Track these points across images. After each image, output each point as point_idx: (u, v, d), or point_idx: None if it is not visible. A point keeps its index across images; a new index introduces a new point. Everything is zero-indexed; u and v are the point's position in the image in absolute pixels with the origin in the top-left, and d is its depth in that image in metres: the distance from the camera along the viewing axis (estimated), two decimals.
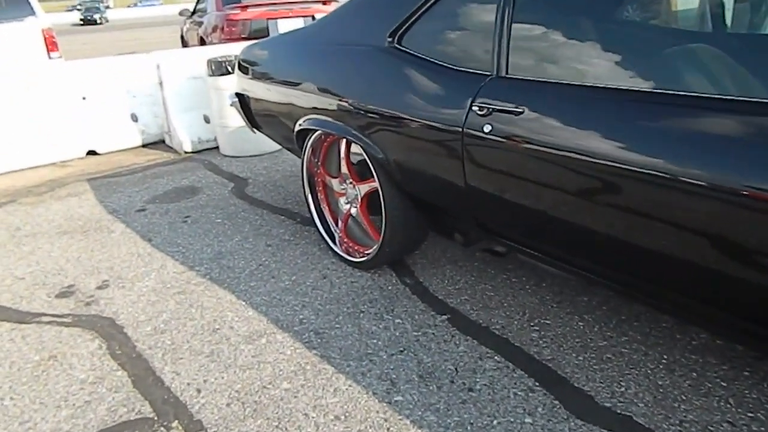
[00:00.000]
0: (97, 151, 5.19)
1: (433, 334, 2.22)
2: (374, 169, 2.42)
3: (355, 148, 2.64)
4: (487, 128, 1.85)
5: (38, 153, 4.93)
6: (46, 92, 4.94)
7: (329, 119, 2.56)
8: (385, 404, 1.87)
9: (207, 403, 1.94)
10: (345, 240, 2.85)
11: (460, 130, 1.94)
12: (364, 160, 2.64)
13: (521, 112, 1.76)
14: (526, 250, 2.05)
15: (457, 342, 2.16)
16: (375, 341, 2.21)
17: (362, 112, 2.34)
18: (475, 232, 2.20)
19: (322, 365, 2.09)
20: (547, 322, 2.24)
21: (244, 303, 2.54)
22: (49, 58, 6.84)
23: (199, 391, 2.00)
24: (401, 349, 2.15)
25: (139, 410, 1.93)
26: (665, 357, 1.99)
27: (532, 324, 2.24)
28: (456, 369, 2.02)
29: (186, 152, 5.06)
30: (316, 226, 2.96)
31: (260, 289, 2.65)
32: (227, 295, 2.62)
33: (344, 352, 2.15)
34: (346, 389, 1.95)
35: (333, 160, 2.89)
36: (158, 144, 5.41)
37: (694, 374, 1.90)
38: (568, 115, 1.67)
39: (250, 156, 4.83)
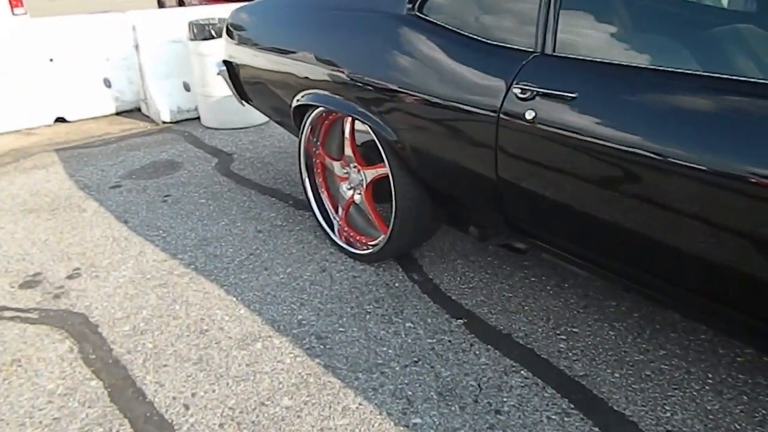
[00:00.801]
0: (67, 118, 4.80)
1: (450, 341, 1.99)
2: (385, 153, 2.16)
3: (359, 128, 2.37)
4: (529, 114, 1.59)
5: (0, 119, 4.52)
6: (8, 52, 4.51)
7: (334, 95, 2.27)
8: (402, 428, 1.64)
9: (197, 422, 1.68)
10: (345, 229, 2.58)
11: (495, 115, 1.68)
12: (371, 142, 2.37)
13: (574, 98, 1.51)
14: (558, 252, 1.82)
15: (477, 352, 1.94)
16: (385, 349, 1.97)
17: (374, 90, 2.07)
18: (502, 229, 1.96)
19: (327, 377, 1.84)
20: (575, 330, 2.03)
21: (234, 299, 2.27)
22: (13, 14, 6.31)
23: (186, 407, 1.74)
24: (415, 359, 1.92)
25: (117, 430, 1.66)
26: (710, 376, 1.80)
27: (558, 332, 2.02)
28: (479, 385, 1.79)
29: (164, 122, 4.70)
30: (314, 213, 2.69)
31: (252, 283, 2.38)
32: (215, 289, 2.35)
33: (351, 362, 1.91)
34: (357, 408, 1.72)
35: (334, 140, 2.61)
36: (134, 112, 5.03)
37: (745, 398, 1.71)
38: (634, 103, 1.42)
39: (235, 129, 4.50)
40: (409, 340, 2.01)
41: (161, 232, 2.85)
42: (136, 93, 5.02)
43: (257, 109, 3.09)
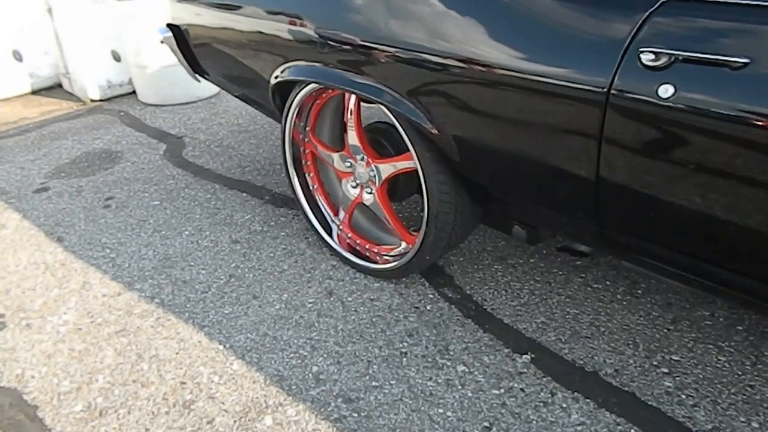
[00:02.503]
0: None
1: (522, 391, 1.52)
2: (412, 143, 1.61)
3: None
4: (666, 91, 1.08)
5: None
6: None
7: (331, 67, 1.69)
8: None
9: None
10: (350, 236, 2.04)
11: (603, 92, 1.16)
12: (380, 124, 1.84)
13: (744, 65, 1.00)
14: (672, 271, 1.35)
15: (564, 405, 1.47)
16: (441, 411, 1.47)
17: (396, 57, 1.50)
18: (592, 242, 1.47)
19: None
20: (675, 358, 1.59)
21: (221, 347, 1.72)
22: None
23: None
24: (486, 424, 1.43)
25: None
26: None
27: (655, 363, 1.57)
28: None
29: (93, 100, 3.95)
30: (307, 218, 2.12)
31: (241, 320, 1.82)
32: (193, 333, 1.78)
33: None
34: None
35: (326, 124, 2.04)
36: (54, 89, 4.24)
37: None
38: None
39: (180, 104, 3.80)
40: (469, 394, 1.52)
41: (108, 251, 2.23)
42: (55, 66, 4.21)
43: (217, 84, 2.46)
